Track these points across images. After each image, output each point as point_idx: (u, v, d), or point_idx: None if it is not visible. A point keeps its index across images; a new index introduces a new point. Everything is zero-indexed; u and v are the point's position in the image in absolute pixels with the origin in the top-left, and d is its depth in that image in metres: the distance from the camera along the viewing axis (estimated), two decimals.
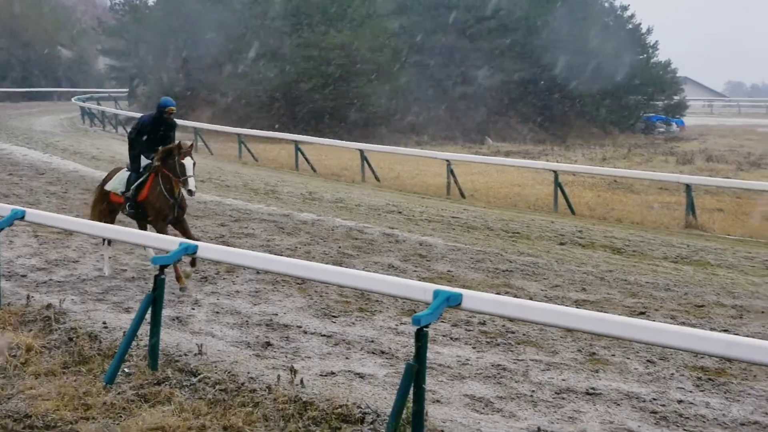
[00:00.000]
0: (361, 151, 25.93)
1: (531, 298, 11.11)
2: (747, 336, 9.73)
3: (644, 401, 8.04)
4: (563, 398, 8.04)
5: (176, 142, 11.97)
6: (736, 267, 14.43)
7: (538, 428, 7.22)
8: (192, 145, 11.92)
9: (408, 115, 44.95)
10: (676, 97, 54.88)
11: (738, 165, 33.34)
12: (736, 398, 8.22)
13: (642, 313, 11.09)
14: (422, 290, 7.20)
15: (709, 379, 8.72)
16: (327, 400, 7.55)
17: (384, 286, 7.78)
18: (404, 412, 6.63)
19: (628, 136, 48.33)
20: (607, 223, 18.96)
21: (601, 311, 10.59)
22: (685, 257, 15.08)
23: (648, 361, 9.22)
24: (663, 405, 7.96)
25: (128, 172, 12.24)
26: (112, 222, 12.24)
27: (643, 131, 51.17)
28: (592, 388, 8.30)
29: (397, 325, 10.20)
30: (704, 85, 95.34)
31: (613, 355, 9.35)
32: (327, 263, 11.94)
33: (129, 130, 12.66)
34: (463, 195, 22.39)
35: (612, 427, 7.40)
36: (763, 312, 11.43)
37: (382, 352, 9.17)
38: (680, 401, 8.07)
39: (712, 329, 10.31)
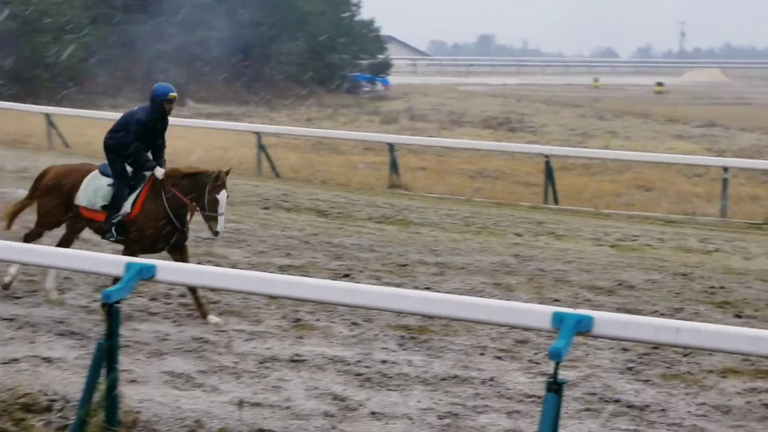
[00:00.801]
0: (47, 115, 24.73)
1: (233, 266, 11.12)
2: (448, 292, 10.33)
3: (349, 364, 8.30)
4: (267, 367, 8.14)
5: (211, 170, 9.71)
6: (438, 225, 15.20)
7: (241, 400, 7.26)
8: (229, 171, 9.85)
9: (101, 75, 43.38)
10: (380, 56, 56.63)
11: (440, 123, 35.07)
12: (438, 354, 8.67)
13: (347, 276, 11.43)
14: (113, 264, 7.03)
15: (412, 337, 9.14)
16: (9, 389, 7.17)
17: (73, 262, 7.53)
18: (97, 395, 6.44)
19: (334, 95, 49.32)
20: (312, 186, 19.33)
21: (306, 276, 10.79)
22: (389, 217, 15.69)
23: (353, 323, 9.52)
24: (367, 366, 8.26)
25: (106, 181, 9.85)
26: (69, 239, 10.20)
27: (348, 91, 52.40)
28: (297, 355, 8.46)
29: (89, 302, 9.87)
30: (408, 44, 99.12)
31: (317, 320, 9.57)
32: (8, 240, 11.29)
33: (110, 135, 9.97)
34: None
35: (317, 393, 7.58)
36: (463, 268, 12.12)
37: (73, 333, 8.86)
38: (384, 361, 8.40)
39: (414, 287, 10.81)
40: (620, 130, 33.63)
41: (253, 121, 31.09)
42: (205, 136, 26.74)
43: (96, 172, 10.03)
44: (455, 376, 8.09)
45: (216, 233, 9.67)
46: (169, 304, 9.96)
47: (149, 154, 9.93)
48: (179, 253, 9.86)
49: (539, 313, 5.87)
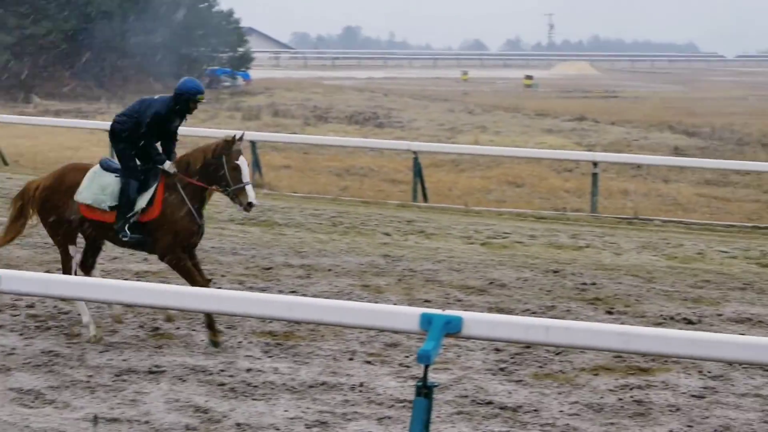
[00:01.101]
0: None
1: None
2: (315, 296, 10.36)
3: (211, 374, 8.24)
4: (124, 380, 8.02)
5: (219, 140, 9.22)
6: (304, 225, 15.21)
7: (95, 416, 7.13)
8: (243, 136, 9.39)
9: None
10: (240, 49, 56.29)
11: (305, 119, 35.08)
12: (305, 360, 8.69)
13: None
14: None
15: (278, 343, 9.13)
16: None
17: None
18: None
19: None
20: None
21: (164, 282, 10.67)
22: (251, 218, 15.57)
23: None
24: (231, 376, 8.22)
25: (112, 176, 9.17)
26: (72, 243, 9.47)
27: (207, 85, 51.74)
28: (156, 366, 8.36)
29: None
30: (270, 36, 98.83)
31: (177, 329, 9.47)
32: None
33: (120, 120, 9.37)
34: (5, 162, 21.38)
35: (177, 405, 7.51)
36: (330, 270, 12.17)
37: None
38: (249, 370, 8.38)
39: (279, 292, 10.81)
40: (490, 125, 34.30)
41: (106, 119, 30.43)
42: (52, 135, 26.09)
43: (97, 168, 9.31)
44: (323, 383, 8.12)
45: (249, 205, 9.06)
46: (16, 315, 9.70)
47: (159, 147, 9.39)
48: (190, 254, 9.36)
49: (407, 315, 5.95)
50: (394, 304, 10.26)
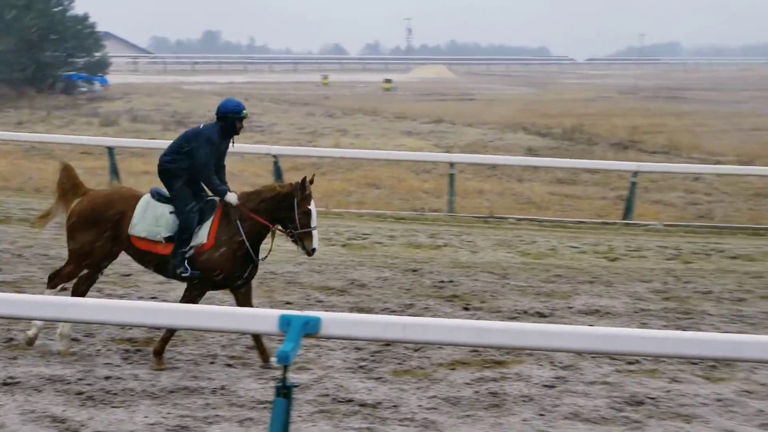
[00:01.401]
0: None
1: None
2: (174, 302, 10.24)
3: (69, 383, 8.08)
4: None
5: (288, 183, 8.96)
6: None
7: None
8: (313, 179, 8.95)
9: None
10: (97, 54, 55.07)
11: (164, 124, 34.59)
12: (165, 366, 8.58)
13: (66, 289, 11.04)
14: None
15: (138, 350, 9.01)
16: None
17: None
18: None
19: (47, 96, 47.44)
20: (24, 194, 18.59)
21: (20, 292, 10.44)
22: None
23: (72, 339, 9.25)
24: (89, 384, 8.07)
25: (167, 208, 8.86)
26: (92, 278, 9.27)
27: (63, 91, 50.58)
28: (10, 378, 8.15)
29: None
30: (128, 40, 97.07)
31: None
32: None
33: (170, 158, 9.00)
34: None
35: (34, 416, 7.34)
36: None
37: None
38: (108, 377, 8.25)
39: (139, 298, 10.67)
40: (350, 128, 34.47)
41: None
42: None
43: (148, 197, 8.98)
44: (184, 388, 8.06)
45: (313, 251, 8.86)
46: None
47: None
48: (244, 291, 9.06)
49: (266, 317, 5.97)
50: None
